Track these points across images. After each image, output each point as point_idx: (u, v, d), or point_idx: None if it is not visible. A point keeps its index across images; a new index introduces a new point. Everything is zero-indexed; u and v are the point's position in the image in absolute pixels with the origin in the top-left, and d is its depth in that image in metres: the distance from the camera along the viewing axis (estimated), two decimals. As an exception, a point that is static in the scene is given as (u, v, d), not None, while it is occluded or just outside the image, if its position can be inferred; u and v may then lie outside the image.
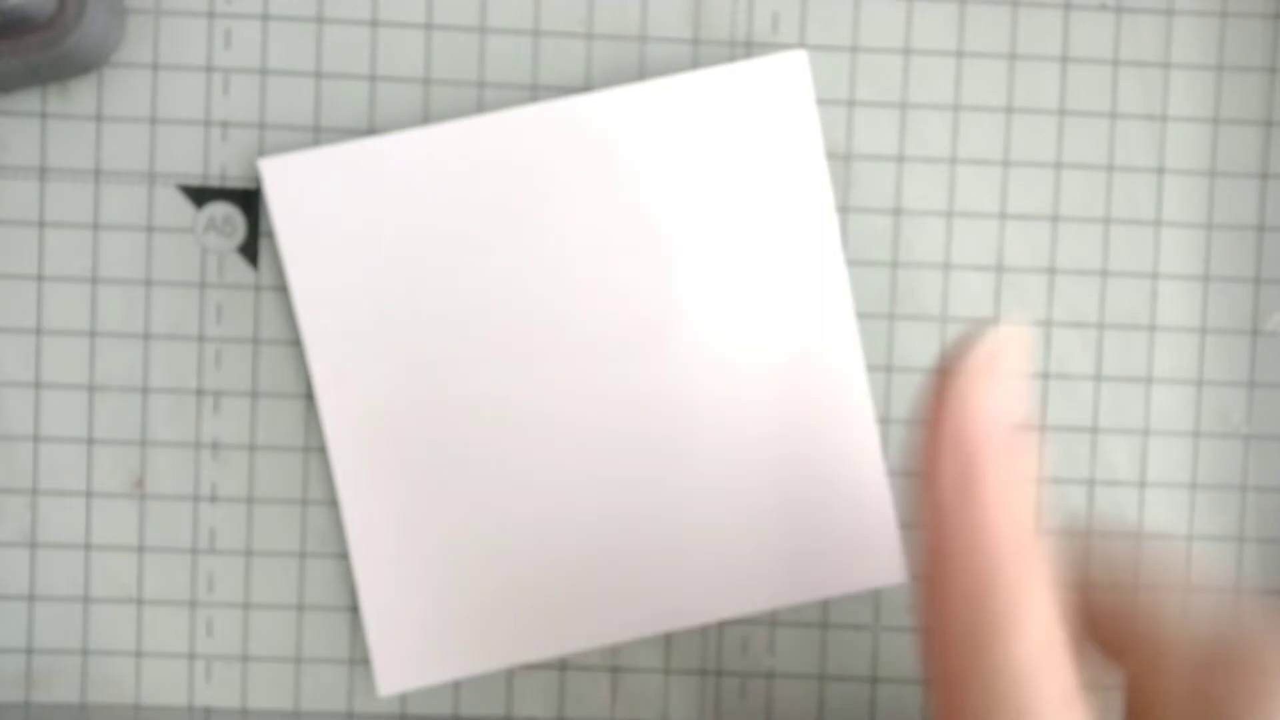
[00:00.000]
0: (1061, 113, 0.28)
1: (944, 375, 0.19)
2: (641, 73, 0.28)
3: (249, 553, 0.28)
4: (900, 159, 0.28)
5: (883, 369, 0.28)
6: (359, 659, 0.28)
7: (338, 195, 0.27)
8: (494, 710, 0.28)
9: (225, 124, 0.28)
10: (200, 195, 0.28)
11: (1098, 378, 0.28)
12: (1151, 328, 0.29)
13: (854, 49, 0.28)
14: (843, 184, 0.28)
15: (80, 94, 0.27)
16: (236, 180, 0.28)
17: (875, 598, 0.28)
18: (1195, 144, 0.28)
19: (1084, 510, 0.28)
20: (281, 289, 0.28)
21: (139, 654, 0.28)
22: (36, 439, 0.28)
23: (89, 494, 0.28)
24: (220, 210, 0.28)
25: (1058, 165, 0.28)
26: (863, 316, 0.28)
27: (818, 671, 0.28)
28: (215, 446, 0.28)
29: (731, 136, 0.27)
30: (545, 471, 0.27)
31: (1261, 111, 0.28)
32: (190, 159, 0.28)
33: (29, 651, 0.28)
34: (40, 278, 0.28)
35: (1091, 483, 0.29)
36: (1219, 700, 0.19)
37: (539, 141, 0.27)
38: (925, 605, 0.20)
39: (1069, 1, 0.28)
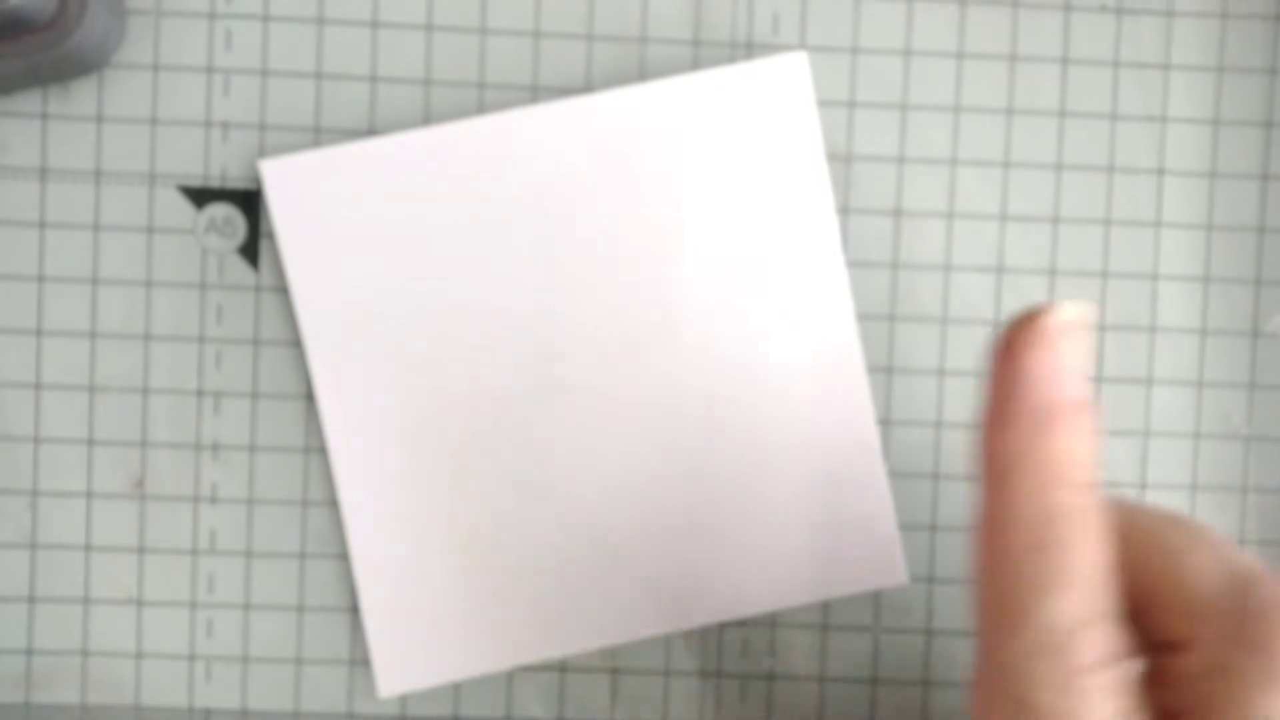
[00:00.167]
0: (1062, 114, 0.28)
1: (1021, 329, 0.20)
2: (642, 74, 0.28)
3: (249, 554, 0.28)
4: (900, 160, 0.28)
5: (883, 370, 0.28)
6: (359, 660, 0.28)
7: (338, 196, 0.27)
8: (494, 711, 0.28)
9: (226, 125, 0.28)
10: (201, 196, 0.28)
11: (1098, 379, 0.28)
12: (1152, 329, 0.28)
13: (854, 50, 0.28)
14: (843, 185, 0.28)
15: (81, 95, 0.27)
16: (237, 181, 0.28)
17: (876, 599, 0.28)
18: (1195, 145, 0.28)
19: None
20: (282, 290, 0.28)
21: (139, 655, 0.28)
22: (37, 440, 0.28)
23: (89, 495, 0.28)
24: (221, 211, 0.28)
25: (1058, 166, 0.28)
26: (863, 318, 0.28)
27: (818, 673, 0.28)
28: (215, 447, 0.28)
29: (732, 138, 0.27)
30: (545, 473, 0.27)
31: (1262, 113, 0.28)
32: (191, 160, 0.28)
33: (29, 652, 0.28)
34: (41, 278, 0.28)
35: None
36: (1240, 670, 0.19)
37: (539, 143, 0.27)
38: (979, 555, 0.20)
39: (1069, 3, 0.28)
